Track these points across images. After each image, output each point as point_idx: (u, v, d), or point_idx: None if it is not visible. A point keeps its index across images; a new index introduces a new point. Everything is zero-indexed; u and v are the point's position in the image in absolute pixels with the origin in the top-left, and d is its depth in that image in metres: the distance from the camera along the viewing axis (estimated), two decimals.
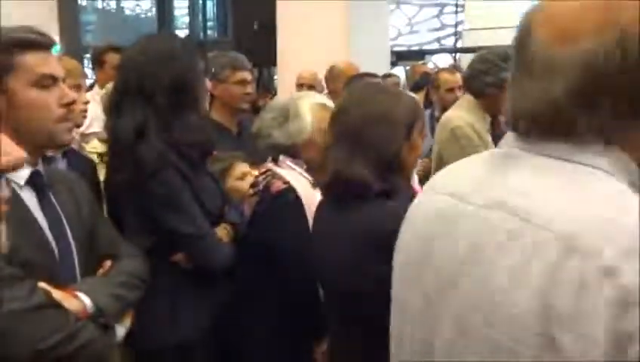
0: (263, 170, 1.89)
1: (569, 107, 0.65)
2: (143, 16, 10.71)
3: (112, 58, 3.27)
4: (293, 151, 1.83)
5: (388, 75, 3.78)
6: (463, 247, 0.69)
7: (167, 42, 1.68)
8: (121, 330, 1.31)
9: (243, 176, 2.04)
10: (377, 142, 1.29)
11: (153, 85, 1.59)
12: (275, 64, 4.16)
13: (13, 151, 0.50)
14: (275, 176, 1.80)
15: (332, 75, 3.59)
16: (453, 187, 0.76)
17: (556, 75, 0.65)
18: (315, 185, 1.48)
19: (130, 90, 1.62)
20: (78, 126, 2.10)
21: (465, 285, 0.68)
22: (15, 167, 0.50)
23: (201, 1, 9.01)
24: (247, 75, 2.62)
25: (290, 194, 1.72)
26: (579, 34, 0.64)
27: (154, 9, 9.72)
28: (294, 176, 1.79)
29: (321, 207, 1.48)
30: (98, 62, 3.52)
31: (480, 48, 3.00)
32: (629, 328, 0.55)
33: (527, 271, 0.61)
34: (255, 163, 2.04)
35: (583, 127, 0.65)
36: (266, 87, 5.40)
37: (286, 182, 1.75)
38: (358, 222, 1.28)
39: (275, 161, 1.87)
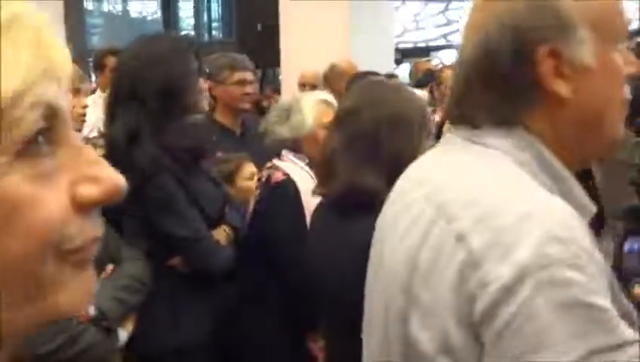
0: (268, 165, 1.93)
1: (461, 97, 0.73)
2: (149, 18, 10.75)
3: (112, 62, 3.28)
4: (296, 146, 1.88)
5: (390, 76, 3.76)
6: (388, 220, 0.78)
7: (157, 46, 1.68)
8: (123, 334, 1.32)
9: (252, 175, 2.07)
10: (395, 147, 1.22)
11: (143, 90, 1.60)
12: (278, 65, 4.16)
13: (109, 176, 0.37)
14: (276, 168, 1.85)
15: (334, 74, 3.56)
16: (414, 171, 0.83)
17: (458, 69, 0.75)
18: (314, 192, 1.44)
19: (122, 94, 1.63)
20: (78, 130, 2.12)
21: (384, 251, 0.76)
22: (112, 198, 0.37)
23: (206, 3, 9.04)
24: (246, 76, 2.63)
25: (289, 185, 1.76)
26: (468, 34, 0.73)
27: (159, 11, 9.77)
28: (295, 169, 1.83)
29: (321, 211, 1.46)
30: (99, 66, 3.53)
31: None
32: (473, 289, 0.60)
33: (409, 233, 0.69)
34: (258, 164, 2.07)
35: (479, 114, 0.71)
36: (274, 87, 5.41)
37: (285, 174, 1.79)
38: (365, 232, 1.25)
39: (279, 156, 1.91)
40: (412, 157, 1.26)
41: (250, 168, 2.10)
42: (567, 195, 0.68)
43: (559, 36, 0.67)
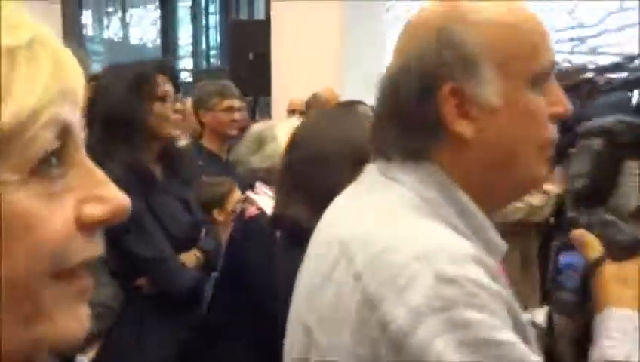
0: (242, 198, 1.92)
1: (376, 129, 0.73)
2: (149, 45, 10.91)
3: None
4: (268, 176, 1.85)
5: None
6: (307, 256, 0.75)
7: (110, 74, 1.75)
8: (81, 361, 1.31)
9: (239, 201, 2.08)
10: (326, 181, 1.17)
11: (91, 117, 1.65)
12: (269, 93, 4.22)
13: (115, 196, 0.38)
14: (250, 202, 1.82)
15: (316, 102, 3.58)
16: (331, 207, 0.80)
17: (375, 101, 0.74)
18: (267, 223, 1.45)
19: (86, 118, 1.68)
20: None
21: (298, 287, 0.74)
22: (116, 217, 0.38)
23: (204, 31, 9.20)
24: (235, 102, 2.71)
25: (262, 220, 1.73)
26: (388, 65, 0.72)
27: (159, 39, 9.92)
28: (269, 202, 1.80)
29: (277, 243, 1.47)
30: None
31: None
32: (374, 332, 0.58)
33: (316, 271, 0.67)
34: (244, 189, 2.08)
35: (391, 148, 0.70)
36: (266, 114, 5.48)
37: (259, 208, 1.77)
38: (294, 263, 1.22)
39: (252, 187, 1.89)
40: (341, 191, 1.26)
41: (238, 194, 2.11)
42: (477, 233, 0.67)
43: (463, 75, 0.66)
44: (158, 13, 10.20)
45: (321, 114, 1.55)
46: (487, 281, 0.59)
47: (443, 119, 0.66)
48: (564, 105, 0.70)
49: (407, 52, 0.69)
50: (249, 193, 1.88)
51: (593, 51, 8.66)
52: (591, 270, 0.75)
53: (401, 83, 0.68)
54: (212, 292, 1.77)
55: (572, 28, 8.83)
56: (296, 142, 1.34)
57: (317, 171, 1.24)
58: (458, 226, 0.66)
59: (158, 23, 10.04)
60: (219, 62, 8.78)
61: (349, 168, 1.20)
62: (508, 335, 0.57)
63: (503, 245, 0.70)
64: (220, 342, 1.75)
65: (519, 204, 1.90)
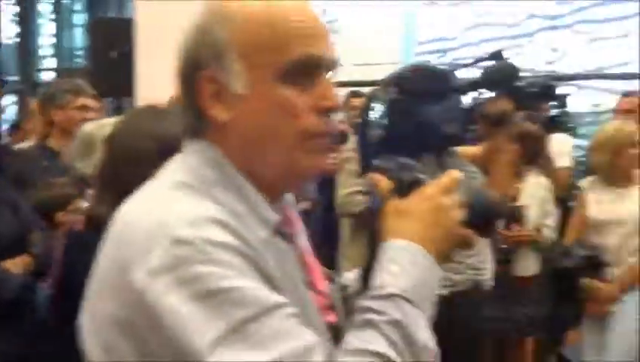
0: (70, 208, 1.81)
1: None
2: (5, 42, 9.99)
3: None
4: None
5: None
6: None
7: None
8: None
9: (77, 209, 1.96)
10: (126, 181, 1.11)
11: None
12: (131, 93, 4.06)
13: None
14: (80, 211, 1.71)
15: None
16: None
17: None
18: None
19: None
20: None
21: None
22: None
23: (68, 29, 8.66)
24: (89, 102, 2.69)
25: (92, 231, 1.65)
26: None
27: (15, 36, 9.16)
28: None
29: None
30: None
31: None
32: (126, 296, 0.65)
33: (99, 255, 0.74)
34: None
35: (184, 131, 0.78)
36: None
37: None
38: None
39: (82, 195, 1.78)
40: None
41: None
42: (249, 207, 0.73)
43: (215, 65, 0.73)
44: (15, 8, 9.42)
45: (136, 112, 1.54)
46: (227, 240, 0.66)
47: (202, 103, 0.74)
48: (331, 99, 0.75)
49: (182, 45, 0.76)
50: (79, 202, 1.78)
51: (453, 63, 9.40)
52: (377, 208, 0.80)
53: (176, 66, 0.76)
54: (49, 299, 1.65)
55: (435, 40, 9.52)
56: (109, 141, 1.33)
57: (125, 169, 1.23)
58: (227, 201, 0.71)
59: (16, 19, 9.27)
60: (85, 62, 8.29)
61: (159, 165, 1.18)
62: (241, 282, 0.64)
63: (273, 216, 0.76)
64: (54, 348, 1.63)
65: (362, 198, 1.98)
